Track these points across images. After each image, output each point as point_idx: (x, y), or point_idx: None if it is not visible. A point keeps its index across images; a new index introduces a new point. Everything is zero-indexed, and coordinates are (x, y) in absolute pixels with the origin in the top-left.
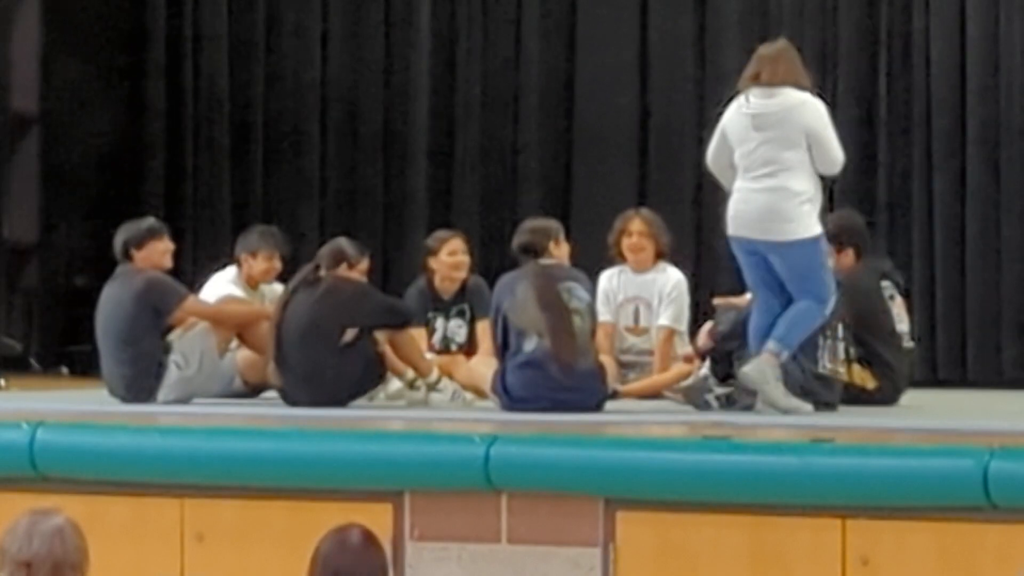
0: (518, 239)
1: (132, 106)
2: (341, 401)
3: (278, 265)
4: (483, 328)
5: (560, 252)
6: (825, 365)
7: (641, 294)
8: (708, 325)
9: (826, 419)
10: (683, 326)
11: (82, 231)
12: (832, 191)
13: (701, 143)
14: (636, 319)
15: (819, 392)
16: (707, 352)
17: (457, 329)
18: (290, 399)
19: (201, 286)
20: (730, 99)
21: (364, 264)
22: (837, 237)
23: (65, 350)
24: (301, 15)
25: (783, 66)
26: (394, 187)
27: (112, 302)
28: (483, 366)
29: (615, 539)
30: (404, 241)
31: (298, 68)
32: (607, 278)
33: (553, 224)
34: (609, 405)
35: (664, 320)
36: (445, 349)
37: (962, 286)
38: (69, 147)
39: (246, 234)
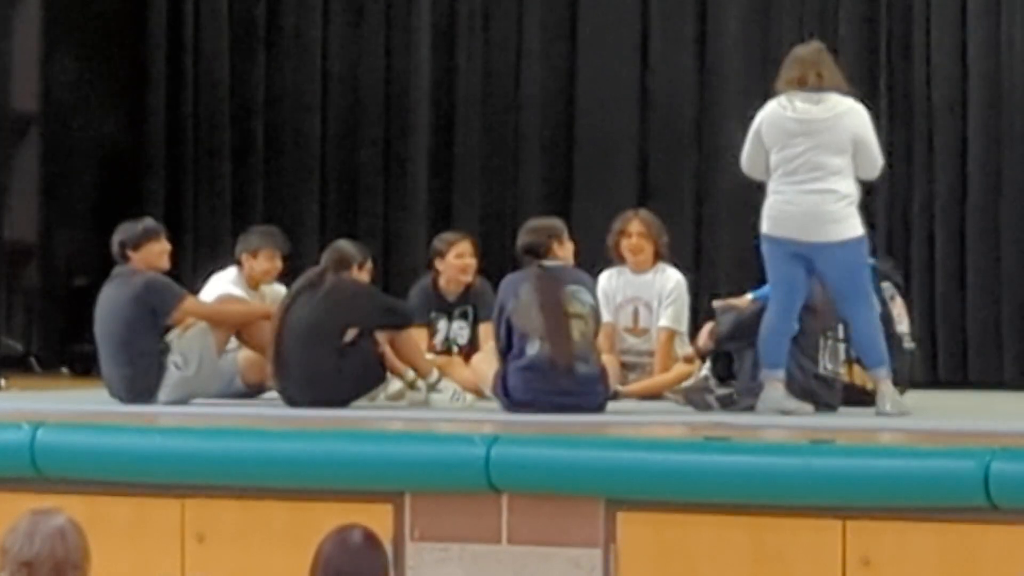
0: (521, 239)
1: (132, 106)
2: (341, 401)
3: (279, 265)
4: (486, 331)
5: (564, 252)
6: (825, 366)
7: (640, 295)
8: (708, 326)
9: (826, 420)
10: (683, 327)
11: (82, 231)
12: None
13: (701, 143)
14: (635, 320)
15: (819, 393)
16: (707, 353)
17: (460, 331)
18: (290, 399)
19: (201, 286)
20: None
21: (368, 264)
22: None
23: (65, 350)
24: (301, 15)
25: (827, 70)
26: (394, 187)
27: (110, 303)
28: (484, 364)
29: (616, 540)
30: (404, 241)
31: (299, 68)
32: (606, 279)
33: (557, 224)
34: (610, 406)
35: (664, 321)
36: (446, 350)
37: (962, 287)
38: (69, 147)
39: (247, 234)
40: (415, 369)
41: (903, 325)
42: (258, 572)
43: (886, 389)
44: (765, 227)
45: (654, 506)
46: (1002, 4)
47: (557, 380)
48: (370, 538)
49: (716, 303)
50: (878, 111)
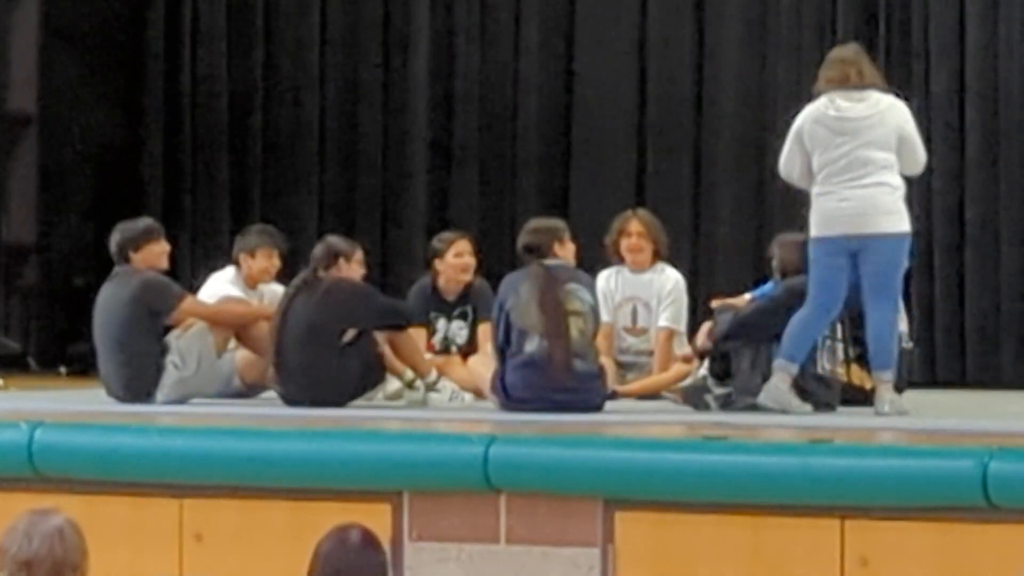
0: (522, 239)
1: (130, 106)
2: (340, 401)
3: (277, 263)
4: (484, 331)
5: (565, 252)
6: (824, 366)
7: (639, 294)
8: (707, 325)
9: (825, 419)
10: (682, 327)
11: (80, 231)
12: None
13: (699, 144)
14: (634, 319)
15: (818, 392)
16: (706, 353)
17: (458, 331)
18: (289, 399)
19: (199, 286)
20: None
21: (359, 255)
22: None
23: (64, 350)
24: (300, 15)
25: (867, 68)
26: (393, 187)
27: (109, 303)
28: (481, 366)
29: (614, 539)
30: (403, 241)
31: (297, 67)
32: (605, 278)
33: (558, 224)
34: (608, 405)
35: (663, 321)
36: (445, 350)
37: (961, 287)
38: (67, 146)
39: (244, 233)
40: (414, 369)
41: (902, 325)
42: (256, 572)
43: (886, 392)
44: (815, 230)
45: (652, 506)
46: (1000, 3)
47: (555, 376)
48: (368, 538)
49: (714, 303)
50: None
